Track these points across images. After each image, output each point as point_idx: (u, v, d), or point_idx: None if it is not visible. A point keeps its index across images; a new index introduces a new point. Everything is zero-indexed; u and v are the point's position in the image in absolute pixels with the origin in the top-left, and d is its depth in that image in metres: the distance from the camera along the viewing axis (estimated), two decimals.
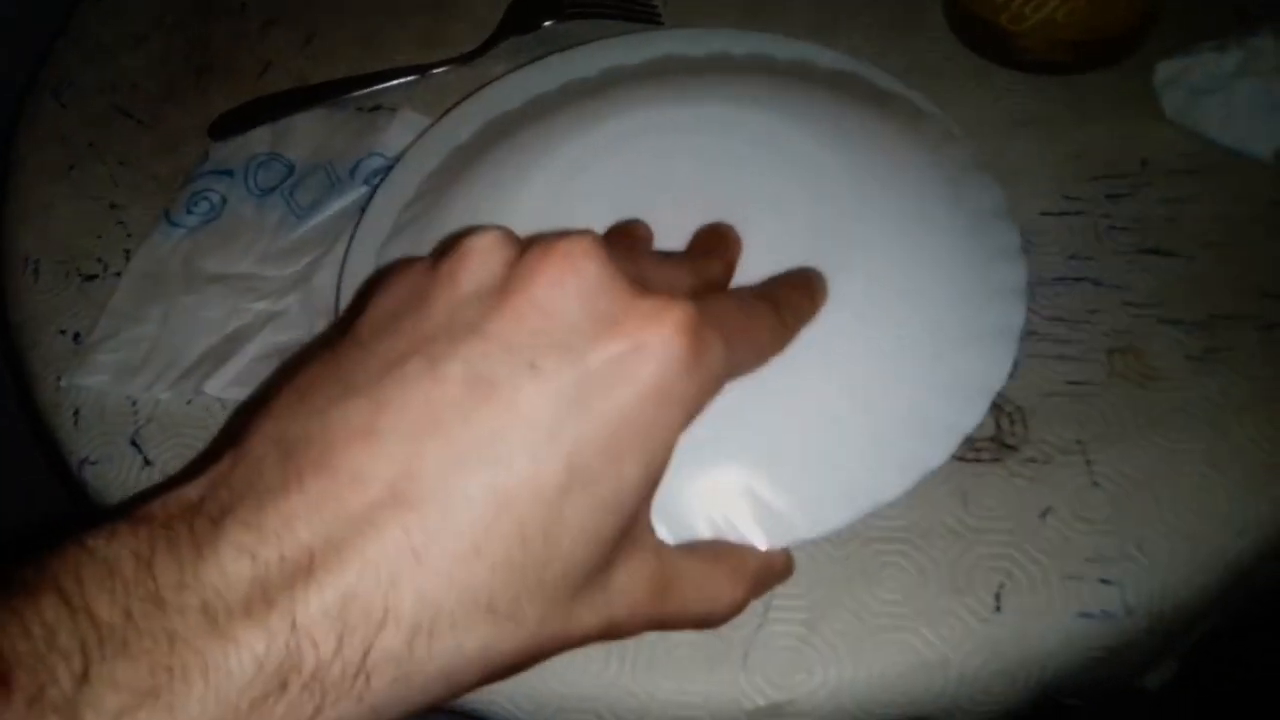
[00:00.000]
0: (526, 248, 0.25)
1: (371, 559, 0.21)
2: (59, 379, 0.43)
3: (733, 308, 0.28)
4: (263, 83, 0.52)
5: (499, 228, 0.26)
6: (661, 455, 0.24)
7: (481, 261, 0.25)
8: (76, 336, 0.44)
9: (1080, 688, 0.35)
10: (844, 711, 0.33)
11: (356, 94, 0.50)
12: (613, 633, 0.26)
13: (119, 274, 0.46)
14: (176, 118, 0.51)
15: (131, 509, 0.22)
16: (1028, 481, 0.36)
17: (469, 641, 0.22)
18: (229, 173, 0.48)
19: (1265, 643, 0.56)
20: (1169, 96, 0.43)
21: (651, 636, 0.34)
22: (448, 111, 0.46)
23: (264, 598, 0.20)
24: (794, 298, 0.31)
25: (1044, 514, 0.35)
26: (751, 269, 0.34)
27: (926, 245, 0.35)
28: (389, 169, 0.45)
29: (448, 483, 0.22)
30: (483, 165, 0.41)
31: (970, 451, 0.36)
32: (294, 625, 0.20)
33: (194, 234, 0.46)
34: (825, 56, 0.45)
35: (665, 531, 0.29)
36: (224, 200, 0.47)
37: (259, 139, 0.49)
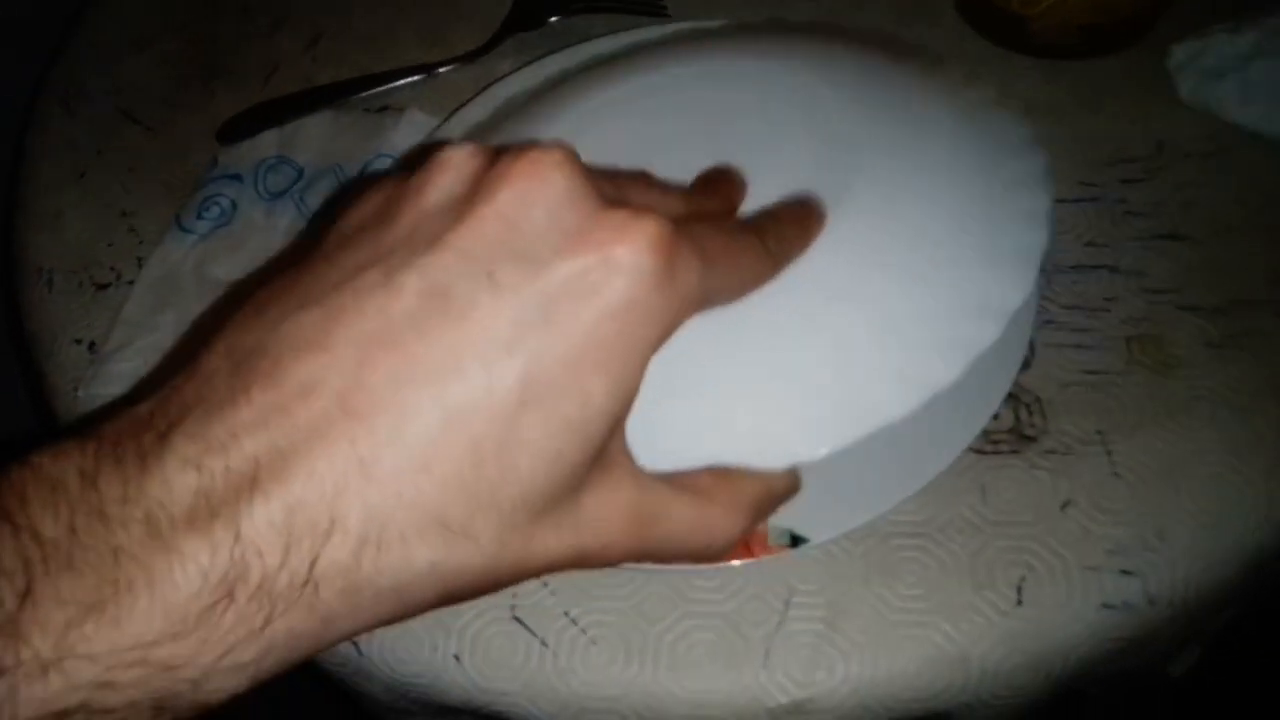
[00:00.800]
0: (502, 155, 0.24)
1: (318, 470, 0.20)
2: (76, 389, 0.43)
3: (714, 232, 0.26)
4: (270, 85, 0.52)
5: (472, 143, 0.25)
6: (631, 375, 0.23)
7: (450, 174, 0.24)
8: (92, 346, 0.44)
9: (1103, 679, 0.35)
10: (866, 708, 0.33)
11: (363, 95, 0.50)
12: (584, 561, 0.25)
13: (132, 281, 0.46)
14: (185, 122, 0.51)
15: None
16: (1047, 473, 0.35)
17: (419, 556, 0.21)
18: (238, 177, 0.48)
19: None
20: (1184, 79, 0.43)
21: (670, 637, 0.34)
22: (455, 111, 0.46)
23: (208, 509, 0.20)
24: (783, 229, 0.30)
25: (1064, 505, 0.35)
26: (761, 203, 0.32)
27: (940, 171, 0.34)
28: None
29: (398, 395, 0.21)
30: (489, 136, 0.41)
31: (989, 444, 0.36)
32: (238, 536, 0.20)
33: (205, 240, 0.46)
34: (842, 21, 0.44)
35: (656, 458, 0.27)
36: (234, 205, 0.47)
37: (267, 143, 0.49)
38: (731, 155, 0.34)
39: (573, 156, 0.24)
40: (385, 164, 0.47)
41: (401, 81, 0.50)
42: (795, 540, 0.33)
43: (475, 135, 0.43)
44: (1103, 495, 0.35)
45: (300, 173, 0.48)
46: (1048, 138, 0.43)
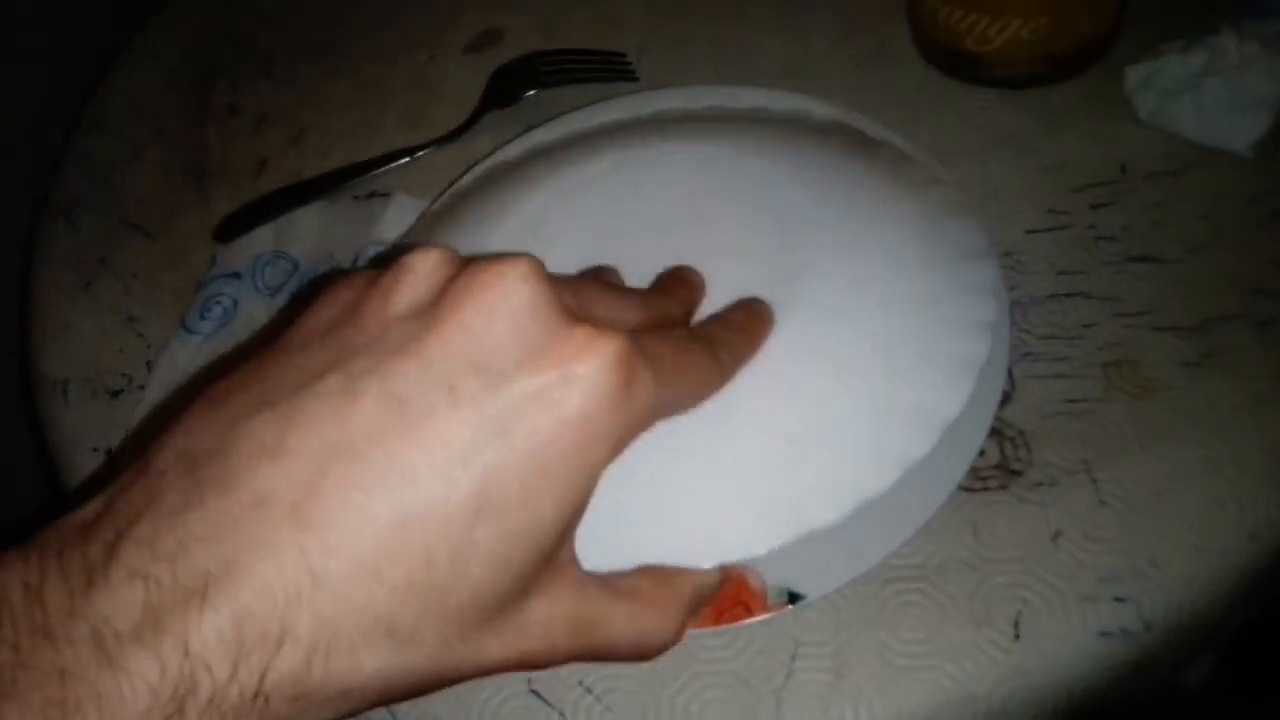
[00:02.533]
0: (469, 265, 0.24)
1: (268, 580, 0.20)
2: None
3: (668, 345, 0.27)
4: (260, 181, 0.54)
5: (442, 247, 0.25)
6: (583, 488, 0.24)
7: (418, 280, 0.25)
8: (109, 453, 0.46)
9: (1110, 705, 0.35)
10: None
11: (350, 183, 0.52)
12: (529, 664, 0.25)
13: (143, 386, 0.47)
14: (182, 225, 0.53)
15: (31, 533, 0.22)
16: (1036, 506, 0.36)
17: (367, 662, 0.22)
18: (237, 275, 0.50)
19: None
20: (1141, 100, 0.44)
21: (683, 698, 0.35)
22: (440, 195, 0.48)
23: (155, 623, 0.20)
24: (732, 338, 0.31)
25: (1055, 537, 0.35)
26: (718, 300, 0.34)
27: (893, 276, 0.35)
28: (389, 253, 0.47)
29: (351, 504, 0.21)
30: (459, 220, 0.42)
31: (977, 481, 0.37)
32: (187, 651, 0.20)
33: (210, 340, 0.48)
34: (817, 108, 0.45)
35: (601, 558, 0.28)
36: (235, 303, 0.49)
37: (262, 239, 0.51)
38: (692, 244, 0.35)
39: (539, 269, 0.24)
40: (377, 250, 0.48)
41: (386, 167, 0.52)
42: (793, 598, 0.34)
43: (439, 220, 0.44)
44: (1092, 524, 0.35)
45: (296, 265, 0.50)
46: (1015, 169, 0.45)
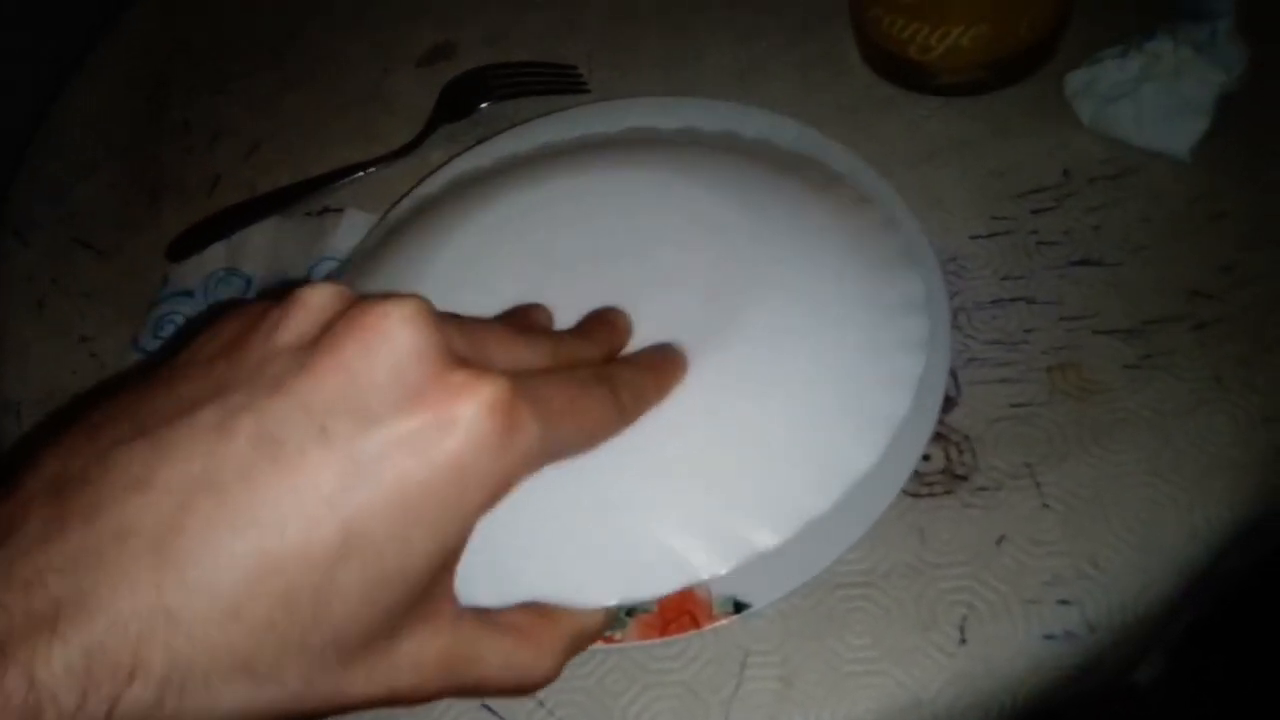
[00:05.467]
0: (359, 303, 0.24)
1: (122, 614, 0.20)
2: None
3: (562, 388, 0.27)
4: (214, 198, 0.54)
5: (335, 284, 0.25)
6: (458, 531, 0.24)
7: (305, 314, 0.24)
8: None
9: (1058, 707, 0.36)
10: None
11: (303, 199, 0.51)
12: (399, 700, 0.26)
13: None
14: (134, 243, 0.53)
15: None
16: (981, 510, 0.37)
17: (224, 699, 0.22)
18: (190, 293, 0.50)
19: (1253, 626, 0.57)
20: (1081, 105, 0.44)
21: (634, 709, 0.35)
22: (390, 209, 0.48)
23: (2, 652, 0.20)
24: (637, 380, 0.31)
25: (999, 541, 0.36)
26: (653, 330, 0.34)
27: (827, 297, 0.35)
28: (339, 272, 0.47)
29: (213, 543, 0.21)
30: (399, 246, 0.42)
31: (923, 486, 0.37)
32: (32, 681, 0.20)
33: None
34: (788, 135, 0.45)
35: (483, 589, 0.28)
36: (187, 322, 0.49)
37: (214, 256, 0.51)
38: (630, 269, 0.35)
39: (425, 311, 0.24)
40: (329, 266, 0.48)
41: (339, 182, 0.52)
42: (739, 607, 0.34)
43: (383, 246, 0.44)
44: (1035, 528, 0.36)
45: (249, 282, 0.50)
46: (959, 175, 0.45)
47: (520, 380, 0.24)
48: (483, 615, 0.28)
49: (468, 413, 0.23)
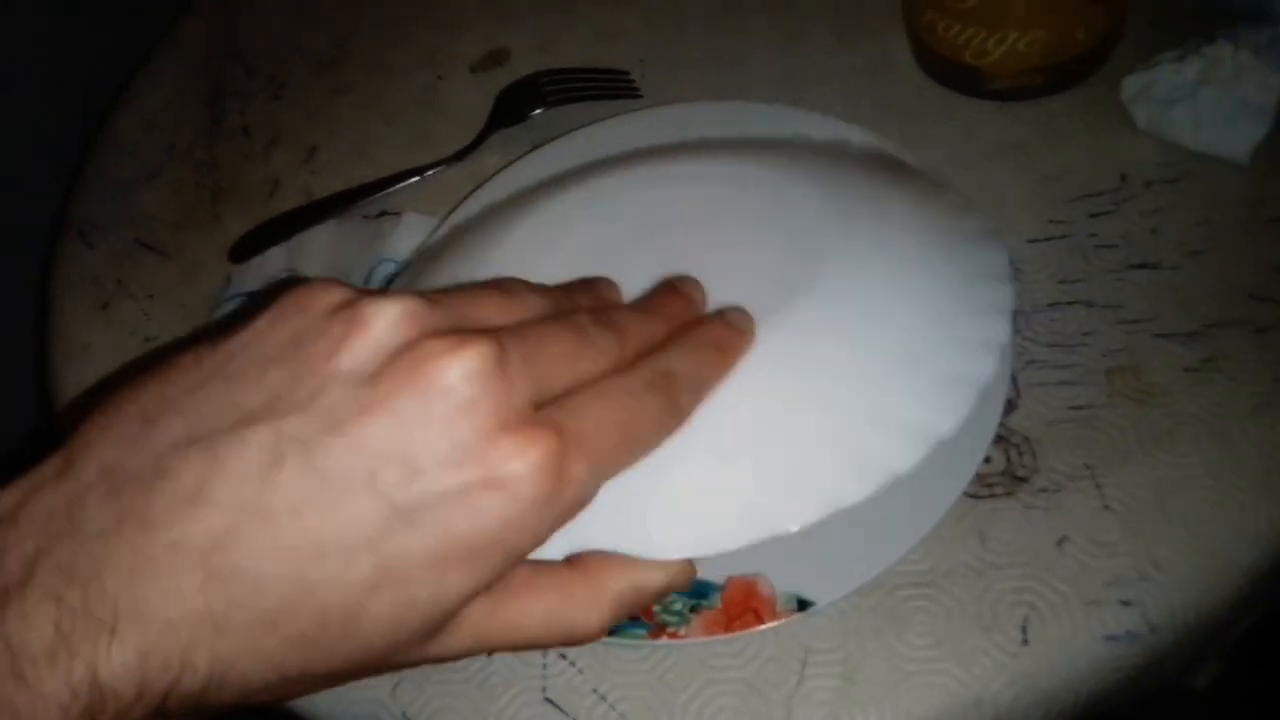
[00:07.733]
0: (423, 341, 0.24)
1: (173, 622, 0.22)
2: None
3: (616, 411, 0.27)
4: (273, 202, 0.55)
5: (401, 302, 0.25)
6: (497, 570, 0.25)
7: (369, 339, 0.24)
8: None
9: (1118, 708, 0.36)
10: None
11: (361, 203, 0.52)
12: (426, 663, 0.27)
13: None
14: (197, 246, 0.54)
15: None
16: (1041, 512, 0.37)
17: (259, 688, 0.24)
18: (251, 295, 0.51)
19: None
20: (1138, 109, 0.44)
21: (695, 705, 0.35)
22: (451, 211, 0.49)
23: (67, 649, 0.21)
24: (696, 369, 0.30)
25: (1060, 542, 0.36)
26: (727, 297, 0.33)
27: (904, 293, 0.35)
28: (400, 272, 0.47)
29: (258, 567, 0.23)
30: (468, 236, 0.43)
31: (983, 488, 0.38)
32: (95, 678, 0.21)
33: None
34: (855, 135, 0.45)
35: (557, 543, 0.27)
36: (242, 307, 0.50)
37: (275, 259, 0.52)
38: (695, 256, 0.35)
39: (489, 360, 0.24)
40: (389, 268, 0.49)
41: (395, 187, 0.52)
42: (802, 604, 0.35)
43: (450, 238, 0.45)
44: (1096, 529, 0.36)
45: None
46: (1015, 179, 0.45)
47: (571, 428, 0.25)
48: (526, 574, 0.27)
49: (517, 473, 0.24)
